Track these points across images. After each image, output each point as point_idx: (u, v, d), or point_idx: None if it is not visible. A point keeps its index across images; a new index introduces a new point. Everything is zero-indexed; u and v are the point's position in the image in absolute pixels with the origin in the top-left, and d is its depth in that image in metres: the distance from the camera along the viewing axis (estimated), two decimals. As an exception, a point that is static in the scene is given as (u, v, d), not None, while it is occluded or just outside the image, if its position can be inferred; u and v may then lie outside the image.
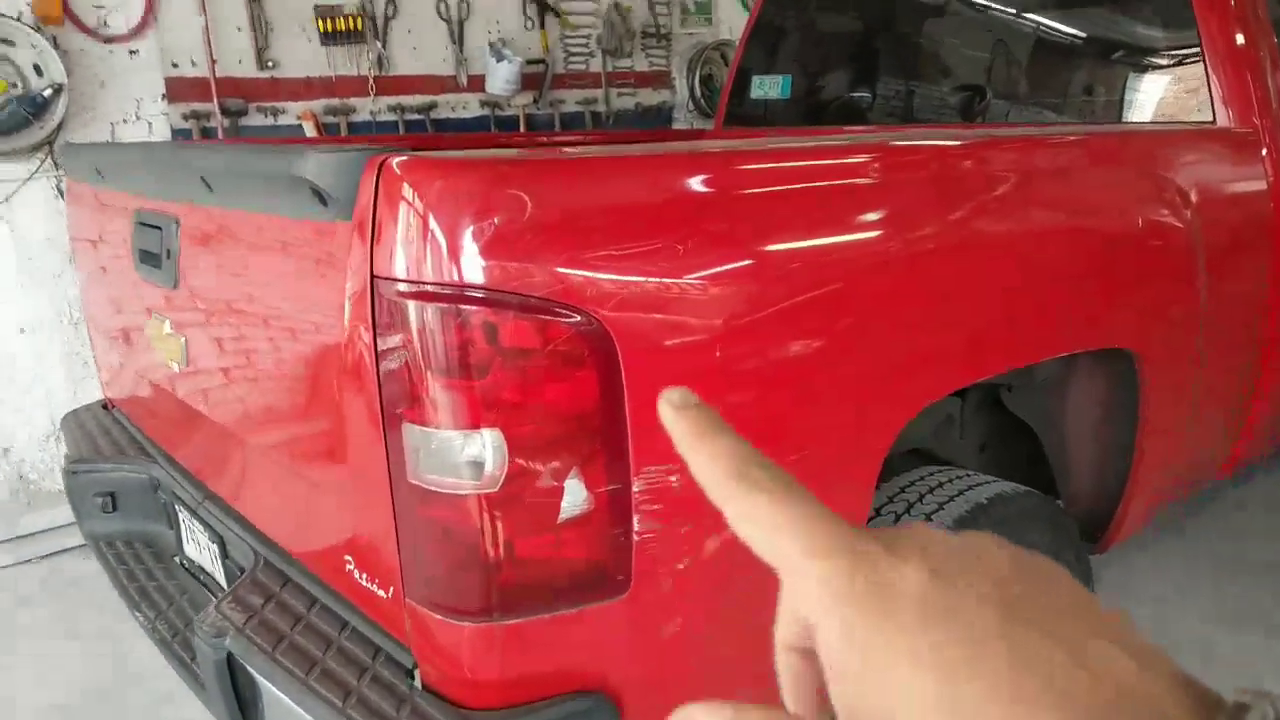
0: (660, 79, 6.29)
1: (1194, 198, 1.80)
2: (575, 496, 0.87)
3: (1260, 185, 2.03)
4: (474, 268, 0.81)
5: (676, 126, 6.42)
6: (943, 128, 2.65)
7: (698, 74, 6.47)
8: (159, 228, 1.29)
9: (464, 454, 0.83)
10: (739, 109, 3.29)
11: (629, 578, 0.91)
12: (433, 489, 0.85)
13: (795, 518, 0.31)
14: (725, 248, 0.96)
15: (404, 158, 0.84)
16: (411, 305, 0.81)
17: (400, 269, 0.82)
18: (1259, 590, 2.55)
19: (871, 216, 1.22)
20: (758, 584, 1.12)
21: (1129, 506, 1.77)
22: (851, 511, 1.13)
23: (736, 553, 1.01)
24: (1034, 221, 1.46)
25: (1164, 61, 2.36)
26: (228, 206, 1.10)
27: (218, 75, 3.83)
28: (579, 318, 0.84)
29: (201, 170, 1.10)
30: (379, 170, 0.83)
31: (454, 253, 0.81)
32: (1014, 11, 2.67)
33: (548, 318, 0.83)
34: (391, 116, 4.59)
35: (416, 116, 4.71)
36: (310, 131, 4.09)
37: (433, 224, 0.81)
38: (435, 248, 0.81)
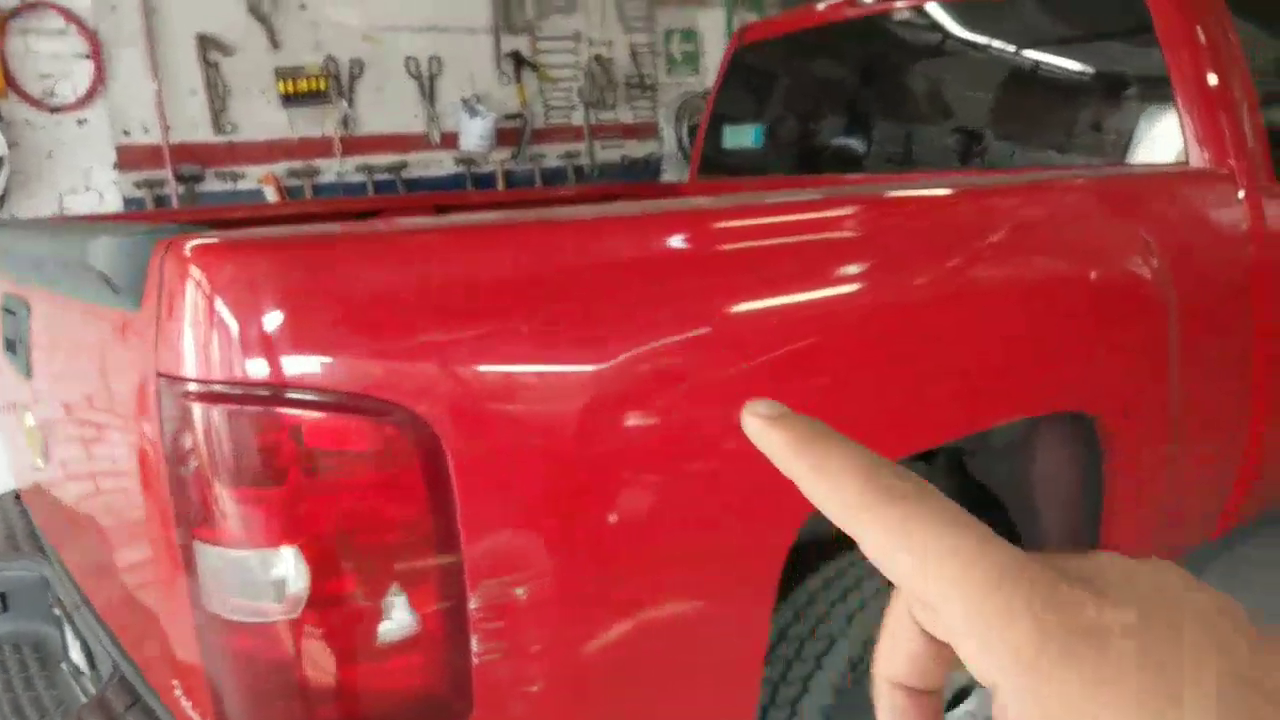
0: (647, 130, 6.31)
1: (1164, 245, 1.73)
2: (398, 618, 0.78)
3: (1237, 229, 1.96)
4: (267, 362, 0.73)
5: (665, 178, 6.43)
6: (895, 177, 2.59)
7: (685, 124, 6.50)
8: (14, 313, 1.23)
9: (263, 576, 0.75)
10: (718, 158, 3.26)
11: (470, 704, 0.82)
12: (232, 616, 0.76)
13: (948, 538, 0.26)
14: (583, 328, 0.88)
15: (198, 240, 0.77)
16: (197, 407, 0.74)
17: (185, 366, 0.74)
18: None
19: (787, 278, 1.15)
20: (622, 698, 1.02)
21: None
22: (747, 618, 1.03)
23: (596, 668, 0.90)
24: (978, 276, 1.39)
25: (1136, 102, 2.30)
26: (56, 291, 1.03)
27: (172, 142, 3.83)
28: (396, 415, 0.76)
29: (34, 252, 1.04)
30: (165, 253, 0.76)
31: (245, 346, 0.73)
32: (979, 56, 2.64)
33: (356, 416, 0.75)
34: (360, 177, 4.59)
35: (386, 176, 4.71)
36: (272, 196, 4.08)
37: (221, 313, 0.73)
38: (224, 340, 0.73)
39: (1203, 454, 1.91)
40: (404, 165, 4.75)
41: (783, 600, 1.34)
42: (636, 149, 6.04)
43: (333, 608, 0.76)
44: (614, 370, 0.88)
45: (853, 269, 1.26)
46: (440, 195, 2.81)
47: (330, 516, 0.75)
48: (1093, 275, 1.52)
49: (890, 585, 0.28)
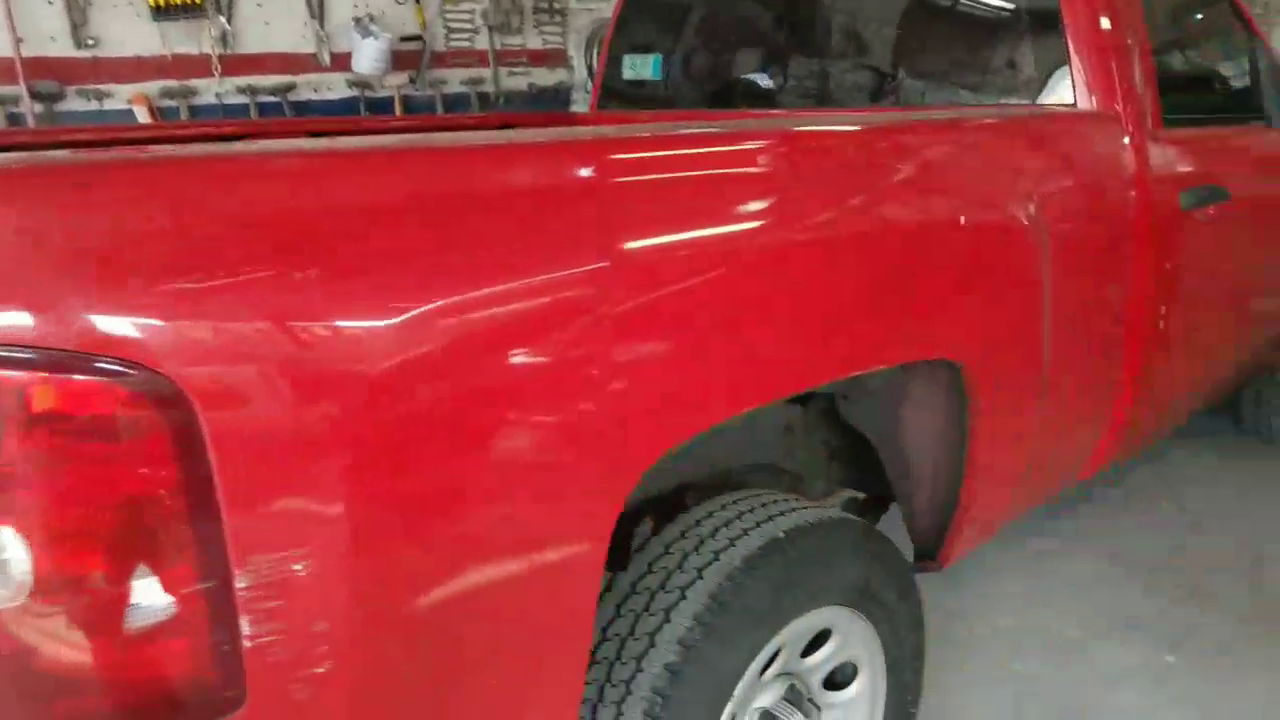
0: (556, 58, 6.11)
1: (1043, 189, 1.71)
2: (148, 601, 0.71)
3: (1121, 174, 1.95)
4: (-29, 315, 0.64)
5: (575, 108, 6.25)
6: (796, 113, 2.53)
7: (596, 52, 6.29)
8: None
9: (-19, 558, 0.67)
10: (620, 90, 3.14)
11: (243, 692, 0.76)
12: (-52, 604, 0.69)
13: None
14: (377, 276, 0.80)
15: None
16: (-113, 368, 0.65)
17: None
18: (1137, 594, 2.50)
19: (645, 220, 1.09)
20: (422, 682, 0.96)
21: (963, 521, 1.67)
22: (568, 598, 0.99)
23: (392, 650, 0.83)
24: (848, 219, 1.34)
25: (1031, 43, 2.27)
26: None
27: (25, 55, 3.55)
28: (137, 374, 0.68)
29: None
30: None
31: (-56, 296, 0.64)
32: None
33: (87, 377, 0.67)
34: (241, 99, 4.34)
35: (271, 99, 4.47)
36: (143, 116, 3.83)
37: (-87, 258, 0.64)
38: (-82, 291, 0.64)
39: (1074, 400, 1.93)
40: (291, 87, 4.51)
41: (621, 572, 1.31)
42: (545, 77, 5.86)
43: (67, 592, 0.69)
44: (405, 328, 0.80)
45: (719, 210, 1.21)
46: (317, 121, 2.65)
47: (57, 491, 0.67)
48: (965, 220, 1.49)
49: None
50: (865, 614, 1.45)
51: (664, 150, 1.21)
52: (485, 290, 0.87)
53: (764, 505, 1.41)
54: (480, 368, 0.85)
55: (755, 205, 1.24)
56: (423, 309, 0.81)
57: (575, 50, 6.55)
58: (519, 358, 0.88)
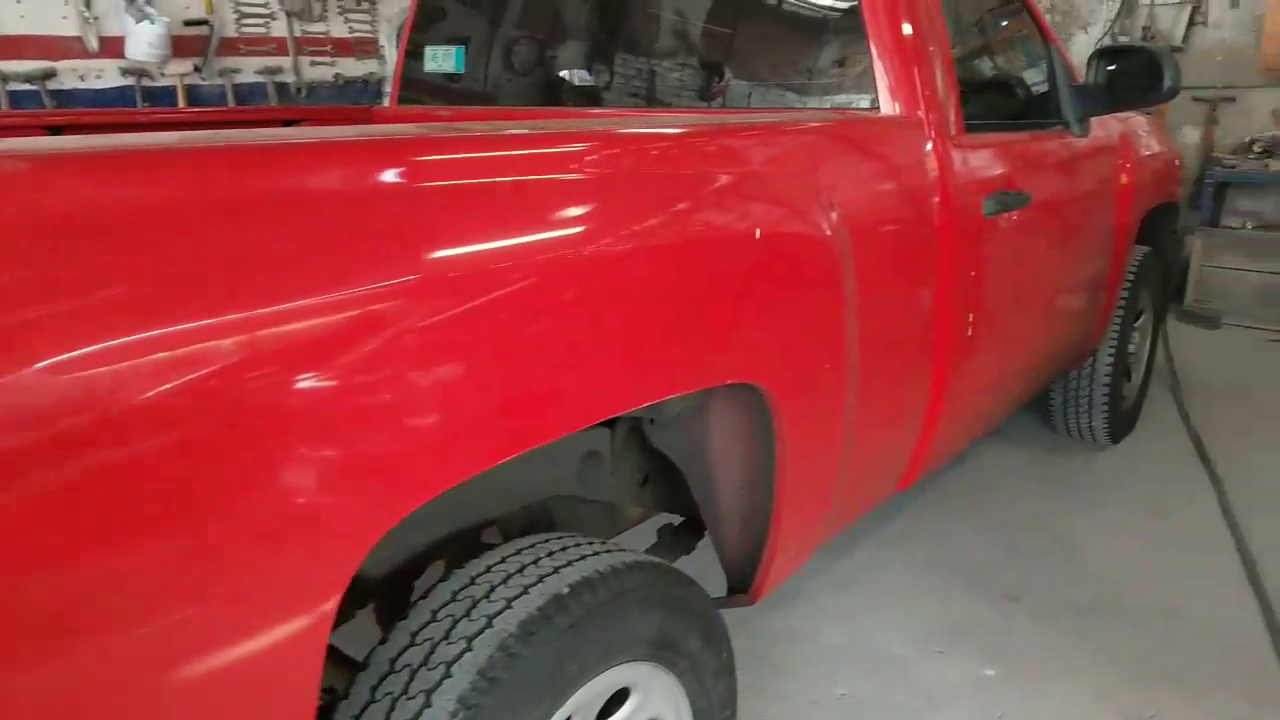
0: (365, 47, 5.80)
1: (844, 197, 1.66)
2: None
3: (924, 180, 1.94)
4: None
5: (388, 103, 5.95)
6: (607, 113, 2.43)
7: (408, 42, 6.01)
8: None
9: None
10: (423, 83, 2.95)
11: None
12: None
13: None
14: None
15: None
16: None
17: None
18: (960, 601, 2.54)
19: (421, 233, 0.94)
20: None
21: (775, 550, 1.60)
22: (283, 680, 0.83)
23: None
24: (632, 235, 1.23)
25: (835, 46, 2.24)
26: None
27: None
28: None
29: None
30: None
31: None
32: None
33: None
34: (-14, 87, 3.86)
35: (26, 87, 4.00)
36: None
37: None
38: None
39: (886, 414, 1.91)
40: (52, 74, 4.05)
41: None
42: (353, 68, 5.55)
43: None
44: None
45: (506, 223, 1.07)
46: (59, 114, 2.34)
47: None
48: (762, 232, 1.41)
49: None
50: (667, 666, 1.34)
51: (429, 155, 1.06)
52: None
53: (550, 555, 1.28)
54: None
55: (538, 218, 1.12)
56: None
57: (387, 40, 6.25)
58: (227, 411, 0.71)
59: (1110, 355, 3.31)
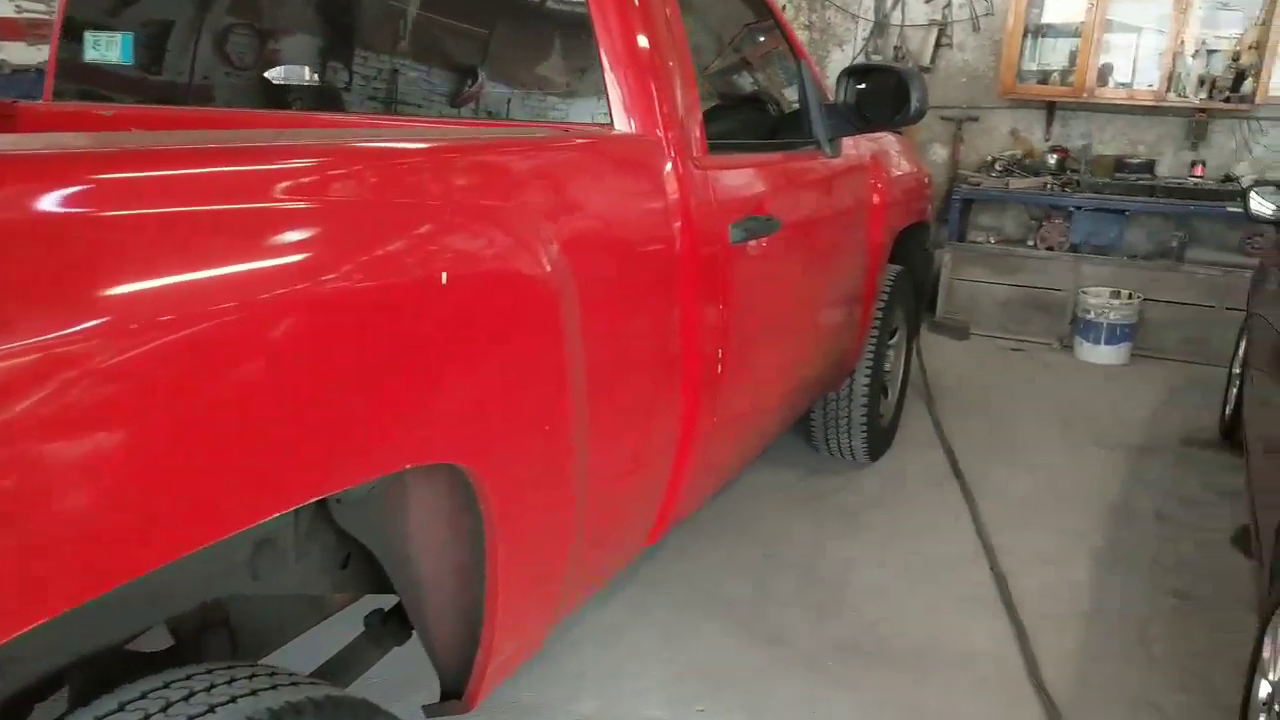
0: (39, 30, 5.06)
1: (565, 228, 1.47)
2: None
3: (663, 206, 1.79)
4: None
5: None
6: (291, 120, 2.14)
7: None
8: None
9: None
10: (87, 76, 2.51)
11: None
12: None
13: None
14: None
15: None
16: None
17: None
18: (718, 645, 2.42)
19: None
20: None
21: (491, 648, 1.38)
22: None
23: None
24: (299, 287, 0.97)
25: (569, 59, 2.07)
26: None
27: None
28: None
29: None
30: None
31: None
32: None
33: None
34: None
35: None
36: None
37: None
38: None
39: (624, 473, 1.74)
40: None
41: None
42: (24, 54, 4.85)
43: None
44: None
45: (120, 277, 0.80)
46: None
47: None
48: (458, 275, 1.19)
49: None
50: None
51: None
52: None
53: (187, 696, 1.00)
54: None
55: (220, 277, 0.85)
56: None
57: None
58: None
59: (867, 375, 3.35)
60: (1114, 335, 5.22)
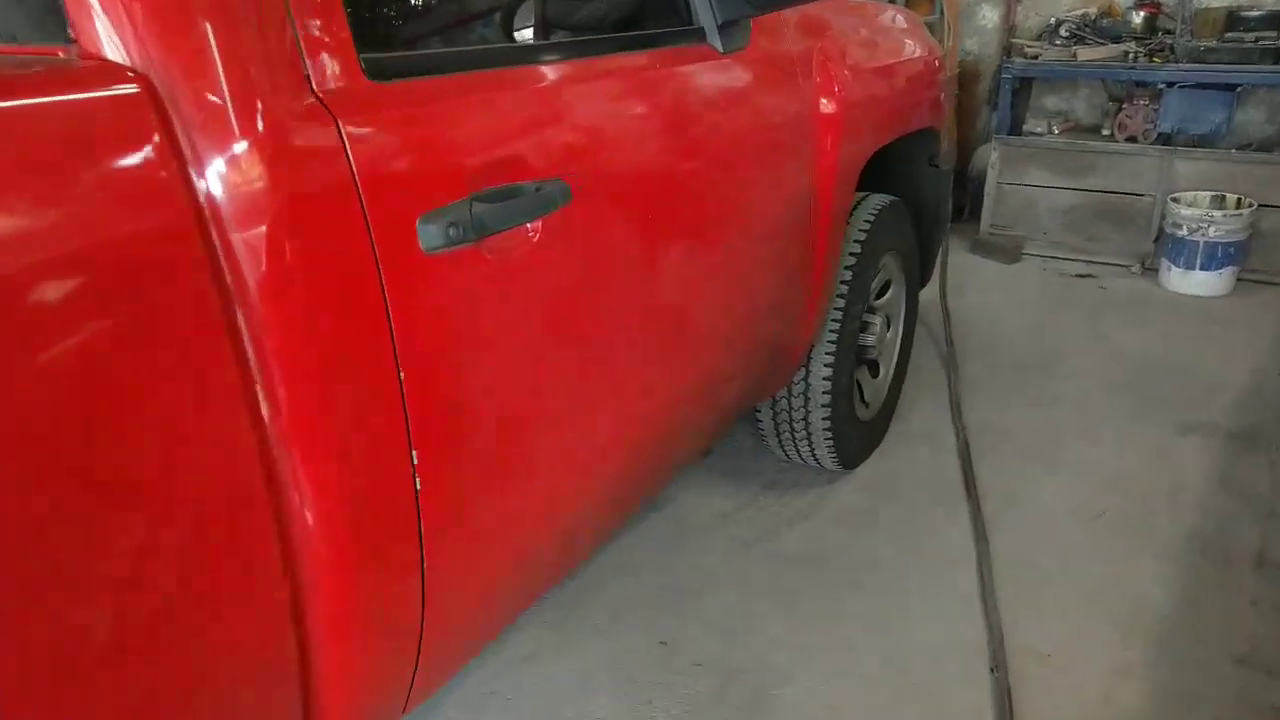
0: None
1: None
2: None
3: (179, 206, 0.92)
4: None
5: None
6: None
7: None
8: None
9: None
10: None
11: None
12: None
13: None
14: None
15: None
16: None
17: None
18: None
19: None
20: None
21: None
22: None
23: None
24: None
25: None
26: None
27: None
28: None
29: None
30: None
31: None
32: None
33: None
34: None
35: None
36: None
37: None
38: None
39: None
40: None
41: None
42: None
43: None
44: None
45: None
46: None
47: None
48: None
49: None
50: None
51: None
52: None
53: None
54: None
55: None
56: None
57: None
58: None
59: (829, 359, 2.44)
60: (1215, 257, 4.15)
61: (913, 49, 2.70)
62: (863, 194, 2.56)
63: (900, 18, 2.79)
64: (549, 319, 1.35)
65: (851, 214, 2.47)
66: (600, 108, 1.47)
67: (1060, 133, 4.86)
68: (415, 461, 1.15)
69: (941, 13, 4.78)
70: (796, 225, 2.11)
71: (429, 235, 1.12)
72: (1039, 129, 4.87)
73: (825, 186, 2.17)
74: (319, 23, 1.06)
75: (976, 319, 3.87)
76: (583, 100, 1.43)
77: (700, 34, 1.76)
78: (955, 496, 2.64)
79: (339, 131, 1.04)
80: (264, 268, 0.96)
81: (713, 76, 1.76)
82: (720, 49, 1.77)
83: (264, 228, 0.96)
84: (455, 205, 1.16)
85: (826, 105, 2.14)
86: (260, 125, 0.96)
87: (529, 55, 1.44)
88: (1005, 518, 2.52)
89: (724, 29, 1.77)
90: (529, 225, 1.28)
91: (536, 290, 1.32)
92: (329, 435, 1.04)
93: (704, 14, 1.76)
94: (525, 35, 2.03)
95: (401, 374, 1.11)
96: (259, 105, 0.96)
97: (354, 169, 1.05)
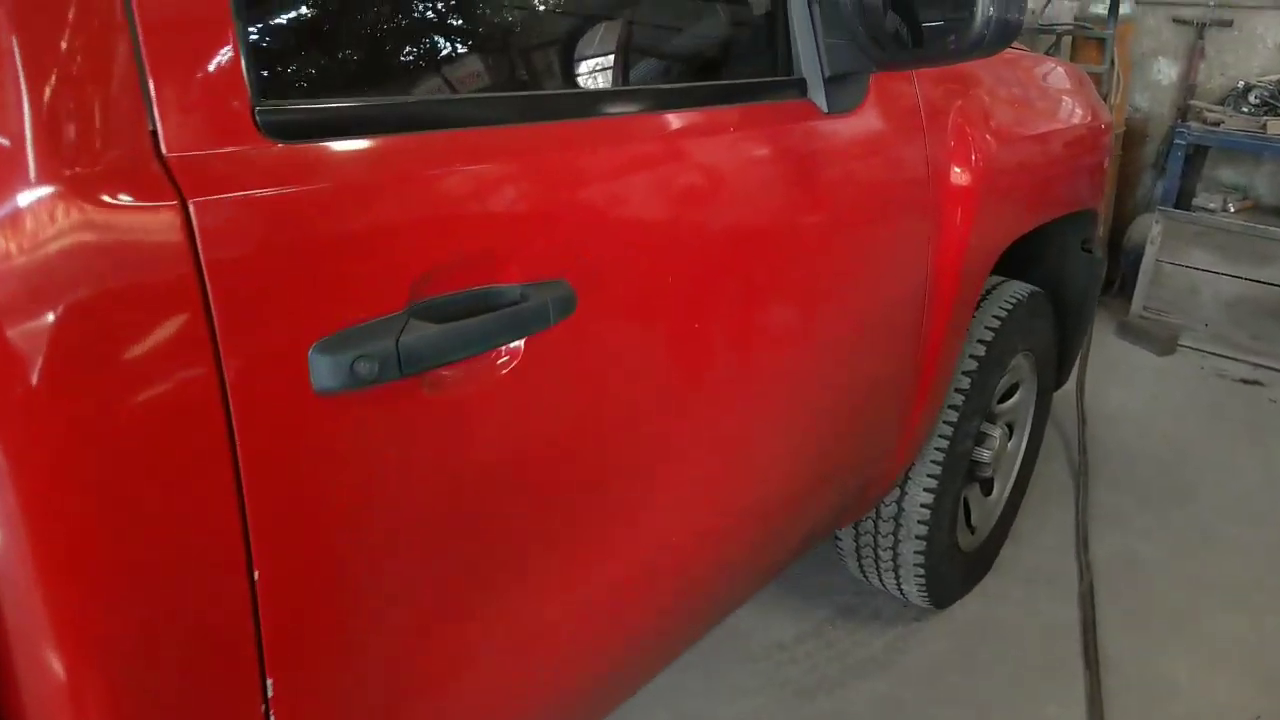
0: None
1: None
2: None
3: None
4: None
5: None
6: None
7: None
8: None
9: None
10: None
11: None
12: None
13: None
14: None
15: None
16: None
17: None
18: None
19: None
20: None
21: None
22: None
23: None
24: None
25: None
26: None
27: None
28: None
29: None
30: None
31: None
32: None
33: None
34: None
35: None
36: None
37: None
38: None
39: None
40: None
41: None
42: None
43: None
44: None
45: None
46: None
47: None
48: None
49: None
50: None
51: None
52: None
53: None
54: None
55: None
56: None
57: None
58: None
59: (932, 482, 2.01)
60: None
61: (1076, 113, 2.25)
62: (995, 279, 2.12)
63: (1063, 72, 2.34)
64: (521, 489, 0.98)
65: (978, 305, 2.03)
66: (630, 182, 1.09)
67: (1236, 211, 4.27)
68: (271, 688, 0.79)
69: (1112, 63, 4.24)
70: (904, 324, 1.70)
71: (323, 371, 0.77)
72: (1211, 204, 4.28)
73: (948, 275, 1.75)
74: (188, 50, 0.72)
75: (1117, 423, 3.35)
76: (604, 170, 1.06)
77: (800, 87, 1.38)
78: (1070, 665, 2.17)
79: (184, 214, 0.69)
80: (21, 427, 0.62)
81: (808, 142, 1.37)
82: (824, 108, 1.38)
83: (23, 356, 0.62)
84: (375, 324, 0.80)
85: (959, 175, 1.72)
86: (50, 196, 0.62)
87: (531, 107, 1.07)
88: (1128, 703, 2.04)
89: (832, 83, 1.38)
90: (503, 348, 0.91)
91: (508, 448, 0.95)
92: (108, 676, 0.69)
93: (808, 63, 1.37)
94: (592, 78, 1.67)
95: (255, 574, 0.76)
96: (62, 169, 0.62)
97: (202, 270, 0.70)
